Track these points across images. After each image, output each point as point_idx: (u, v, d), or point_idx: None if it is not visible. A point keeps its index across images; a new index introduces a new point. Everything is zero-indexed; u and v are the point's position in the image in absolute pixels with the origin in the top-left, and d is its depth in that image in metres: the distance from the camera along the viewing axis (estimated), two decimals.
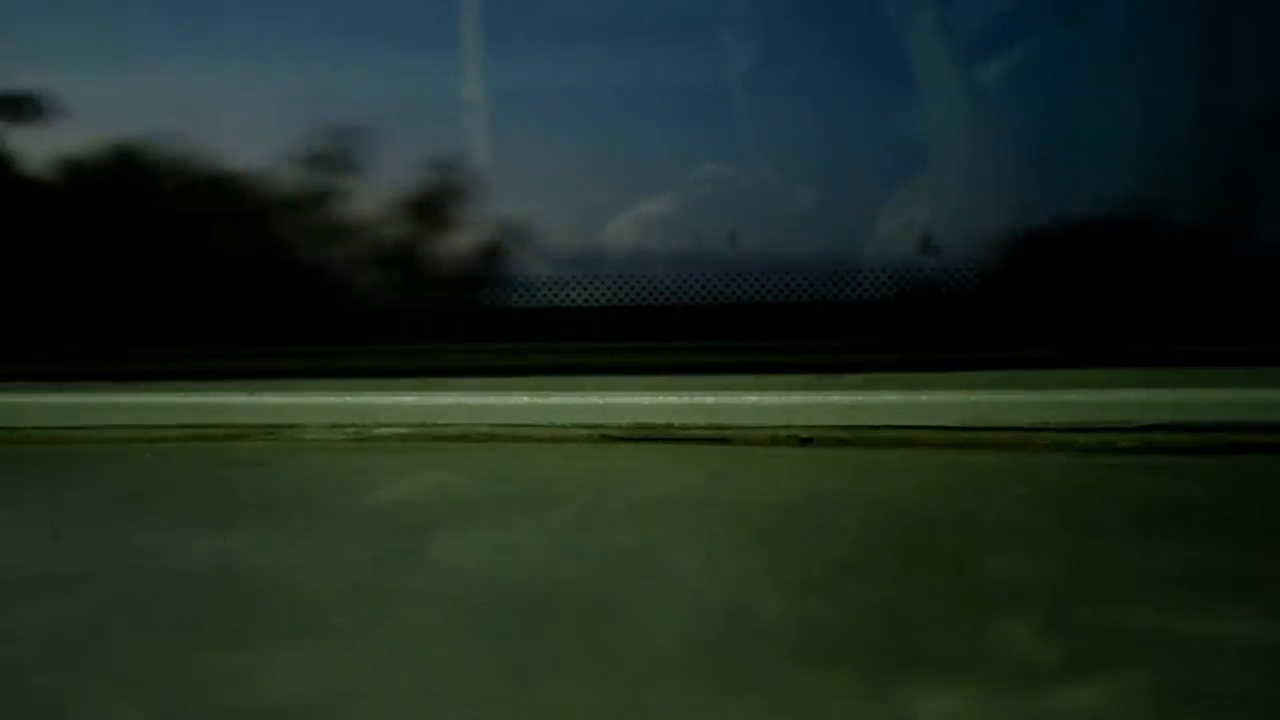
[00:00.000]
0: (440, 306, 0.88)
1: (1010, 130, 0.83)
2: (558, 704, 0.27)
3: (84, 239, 0.90)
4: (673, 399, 0.67)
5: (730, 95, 0.84)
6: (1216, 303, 0.75)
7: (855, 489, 0.50)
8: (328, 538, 0.43)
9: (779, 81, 0.84)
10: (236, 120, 0.89)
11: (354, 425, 0.69)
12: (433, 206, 0.86)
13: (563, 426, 0.67)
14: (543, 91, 0.85)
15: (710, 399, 0.66)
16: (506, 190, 0.86)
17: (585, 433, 0.66)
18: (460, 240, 0.87)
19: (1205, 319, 0.75)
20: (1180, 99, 0.78)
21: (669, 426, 0.66)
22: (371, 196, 0.87)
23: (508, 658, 0.30)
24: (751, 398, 0.66)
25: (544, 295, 0.83)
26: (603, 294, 0.82)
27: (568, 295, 0.83)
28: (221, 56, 0.87)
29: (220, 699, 0.28)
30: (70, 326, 0.88)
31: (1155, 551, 0.39)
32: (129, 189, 0.88)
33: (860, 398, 0.65)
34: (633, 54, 0.85)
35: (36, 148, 0.89)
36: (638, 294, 0.82)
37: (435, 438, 0.67)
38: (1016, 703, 0.26)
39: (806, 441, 0.63)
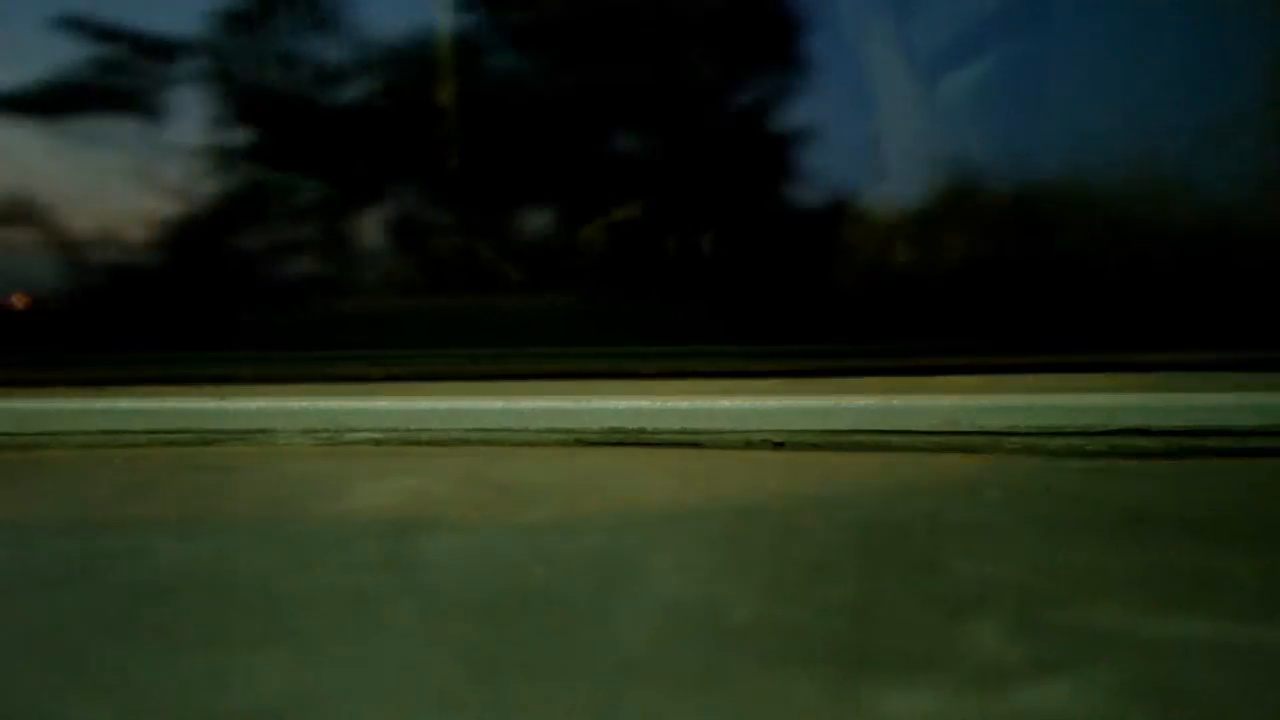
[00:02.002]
0: None
1: None
2: (531, 706, 0.27)
3: None
4: (646, 403, 0.67)
5: None
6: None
7: (827, 493, 0.51)
8: (300, 543, 0.43)
9: None
10: None
11: (327, 430, 0.69)
12: None
13: (537, 431, 0.67)
14: None
15: (684, 403, 0.67)
16: None
17: (559, 437, 0.66)
18: None
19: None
20: None
21: (642, 431, 0.66)
22: None
23: (481, 661, 0.30)
24: (725, 402, 0.66)
25: None
26: None
27: None
28: None
29: (193, 703, 0.27)
30: None
31: (1121, 553, 0.40)
32: None
33: (833, 402, 0.66)
34: None
35: None
36: None
37: (409, 443, 0.67)
38: (984, 702, 0.27)
39: (779, 446, 0.63)
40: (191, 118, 0.88)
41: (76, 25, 0.86)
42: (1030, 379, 0.69)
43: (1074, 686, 0.27)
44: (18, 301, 0.86)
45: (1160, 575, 0.37)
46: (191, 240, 0.88)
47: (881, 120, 0.84)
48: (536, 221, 0.89)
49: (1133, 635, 0.31)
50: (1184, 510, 0.47)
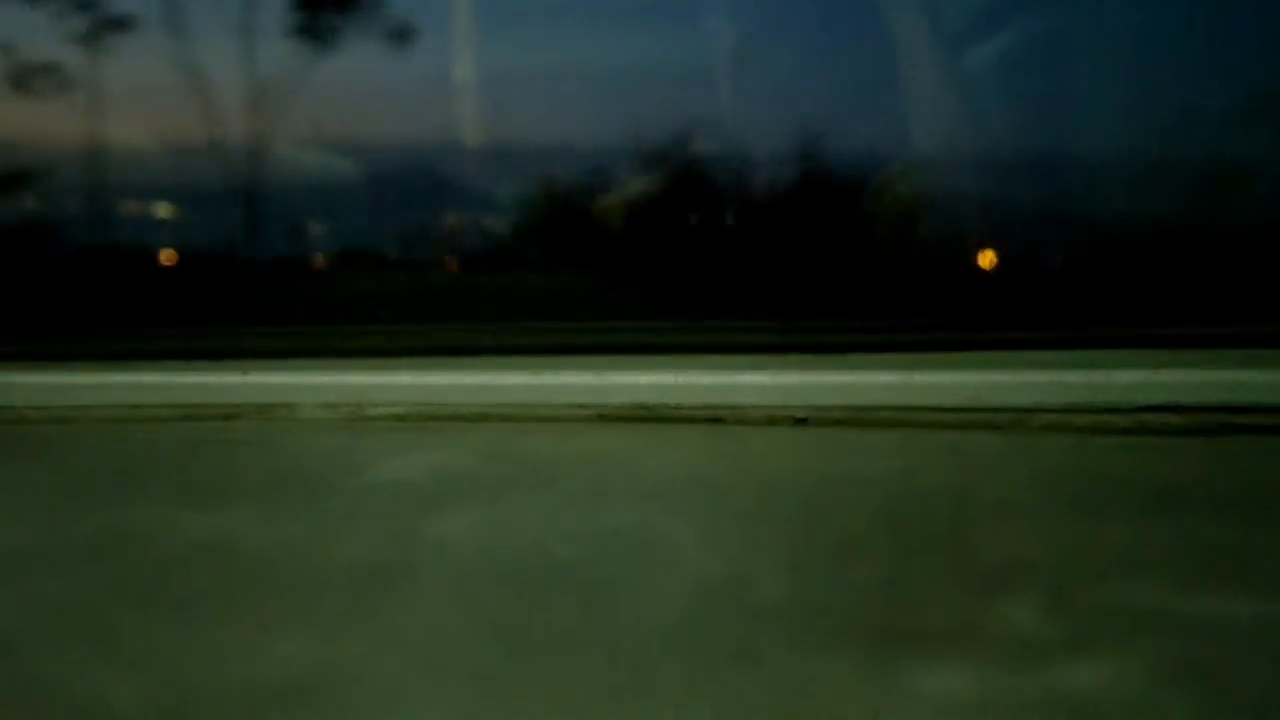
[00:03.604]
0: None
1: None
2: (559, 680, 0.27)
3: None
4: (669, 378, 0.67)
5: None
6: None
7: (851, 469, 0.51)
8: (324, 517, 0.43)
9: None
10: None
11: (349, 404, 0.69)
12: None
13: (559, 406, 0.67)
14: None
15: (706, 379, 0.66)
16: None
17: (582, 412, 0.66)
18: None
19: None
20: None
21: (665, 406, 0.66)
22: None
23: (507, 635, 0.30)
24: (748, 377, 0.66)
25: None
26: None
27: None
28: None
29: (219, 676, 0.28)
30: None
31: (1151, 531, 0.39)
32: None
33: (856, 378, 0.65)
34: None
35: None
36: None
37: (431, 417, 0.67)
38: (1017, 679, 0.26)
39: (802, 421, 0.63)
40: None
41: None
42: (1058, 355, 0.68)
43: (1109, 664, 0.27)
44: None
45: (1192, 553, 0.37)
46: None
47: None
48: None
49: (1166, 612, 0.31)
50: (1215, 488, 0.46)
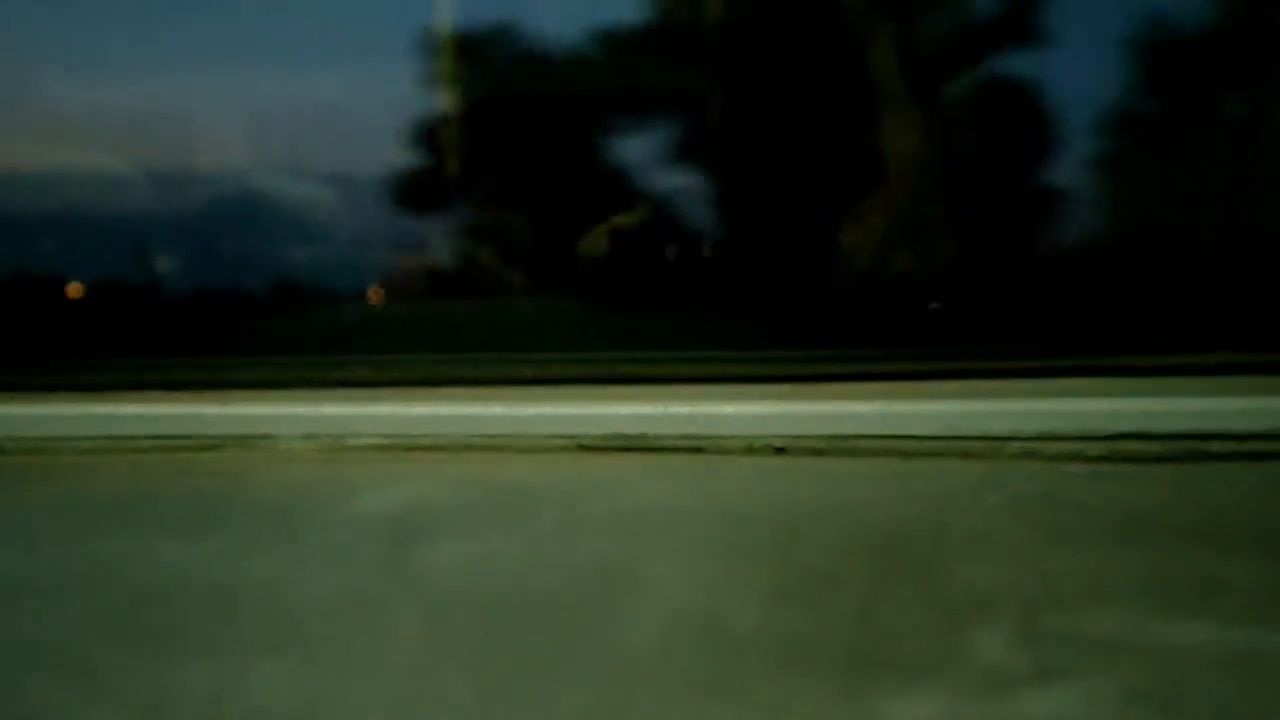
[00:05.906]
0: None
1: None
2: (537, 715, 0.27)
3: None
4: (648, 409, 0.67)
5: None
6: None
7: (829, 498, 0.51)
8: (303, 550, 0.43)
9: None
10: None
11: (329, 436, 0.69)
12: None
13: (539, 437, 0.67)
14: None
15: (686, 409, 0.67)
16: None
17: (561, 443, 0.66)
18: None
19: None
20: None
21: (644, 436, 0.66)
22: None
23: (487, 669, 0.30)
24: (727, 407, 0.66)
25: None
26: None
27: None
28: None
29: (196, 712, 0.28)
30: None
31: (1123, 559, 0.40)
32: None
33: (834, 407, 0.66)
34: None
35: None
36: None
37: (411, 448, 0.67)
38: (988, 708, 0.27)
39: (781, 451, 0.63)
40: None
41: None
42: (1031, 384, 0.69)
43: (1077, 693, 0.27)
44: None
45: (1162, 581, 0.37)
46: None
47: None
48: None
49: (1134, 642, 0.31)
50: (1185, 515, 0.47)
